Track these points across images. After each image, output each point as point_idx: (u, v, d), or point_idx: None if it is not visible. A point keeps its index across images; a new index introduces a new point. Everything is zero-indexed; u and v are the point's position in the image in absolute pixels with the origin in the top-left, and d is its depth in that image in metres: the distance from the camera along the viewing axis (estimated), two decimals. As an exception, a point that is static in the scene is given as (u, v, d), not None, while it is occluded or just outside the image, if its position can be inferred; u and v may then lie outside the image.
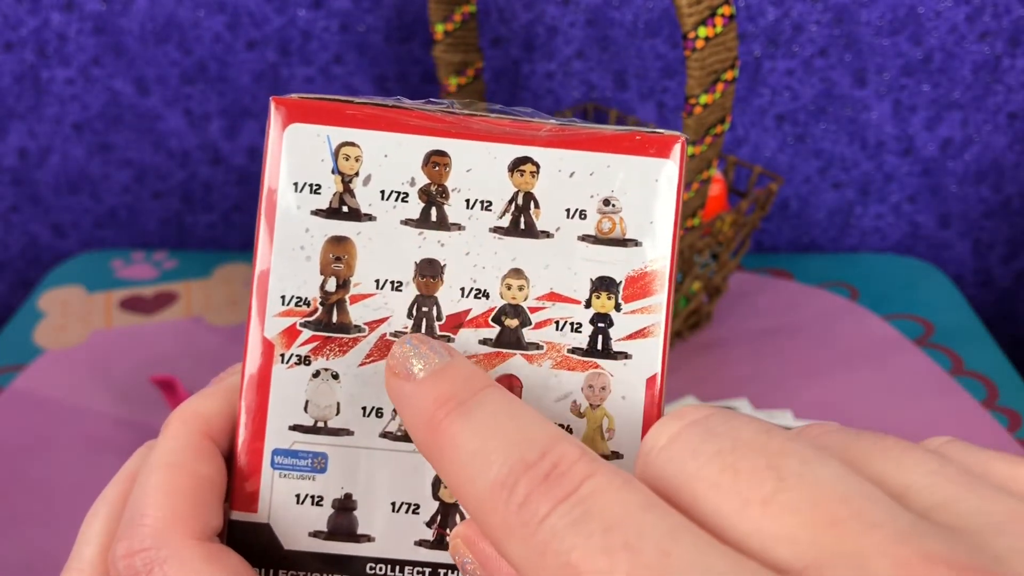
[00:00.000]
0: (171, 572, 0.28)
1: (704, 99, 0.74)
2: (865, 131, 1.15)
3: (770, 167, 1.17)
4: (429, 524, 0.32)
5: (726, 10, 0.72)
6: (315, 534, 0.31)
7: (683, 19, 0.71)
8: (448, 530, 0.31)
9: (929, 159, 1.16)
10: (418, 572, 0.31)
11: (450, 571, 0.31)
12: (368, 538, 0.31)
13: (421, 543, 0.32)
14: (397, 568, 0.31)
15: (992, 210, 1.19)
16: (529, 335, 0.32)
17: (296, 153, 0.31)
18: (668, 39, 1.10)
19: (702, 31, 0.71)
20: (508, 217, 0.32)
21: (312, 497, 0.31)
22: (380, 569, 0.31)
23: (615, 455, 0.31)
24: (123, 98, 1.14)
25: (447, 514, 0.32)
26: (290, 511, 0.31)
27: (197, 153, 1.19)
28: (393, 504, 0.32)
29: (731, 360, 0.97)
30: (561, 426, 0.31)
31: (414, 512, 0.32)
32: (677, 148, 0.31)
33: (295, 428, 0.32)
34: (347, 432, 0.32)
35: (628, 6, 1.08)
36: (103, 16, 1.09)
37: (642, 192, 0.31)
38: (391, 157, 0.31)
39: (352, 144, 0.31)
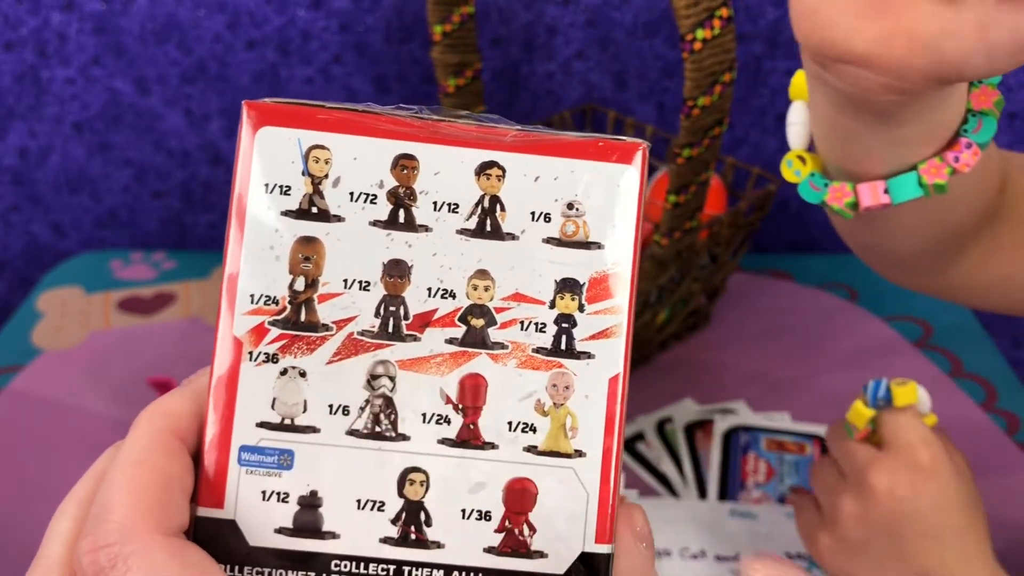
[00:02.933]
0: (135, 566, 0.28)
1: (702, 101, 0.74)
2: (865, 131, 1.15)
3: (770, 167, 1.16)
4: (394, 521, 0.32)
5: (724, 12, 0.72)
6: (280, 531, 0.32)
7: (681, 21, 0.71)
8: (412, 527, 0.32)
9: (929, 159, 1.16)
10: (383, 569, 0.32)
11: (415, 568, 0.32)
12: (333, 535, 0.32)
13: (386, 540, 0.32)
14: (362, 565, 0.32)
15: (992, 210, 1.19)
16: (495, 335, 0.32)
17: (267, 155, 0.32)
18: (668, 39, 1.10)
19: (700, 33, 0.71)
20: (475, 219, 0.32)
21: (278, 494, 0.32)
22: (345, 566, 0.32)
23: (578, 453, 0.32)
24: (123, 98, 1.14)
25: (412, 511, 0.32)
26: (256, 508, 0.32)
27: (197, 153, 1.19)
28: (358, 501, 0.32)
29: (730, 362, 0.97)
30: (526, 424, 0.32)
31: (379, 509, 0.32)
32: (639, 155, 0.32)
33: (262, 425, 0.32)
34: (314, 430, 0.32)
35: (628, 6, 1.08)
36: (103, 16, 1.09)
37: (605, 197, 0.32)
38: (360, 160, 0.32)
39: (322, 147, 0.32)
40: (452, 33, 0.94)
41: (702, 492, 0.83)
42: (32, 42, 1.11)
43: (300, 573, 0.31)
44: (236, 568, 0.31)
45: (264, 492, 0.32)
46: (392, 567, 0.32)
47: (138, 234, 1.24)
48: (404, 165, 0.32)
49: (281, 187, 0.32)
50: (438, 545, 0.32)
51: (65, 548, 0.31)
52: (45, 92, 1.14)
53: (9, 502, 0.82)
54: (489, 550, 0.32)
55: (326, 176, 0.32)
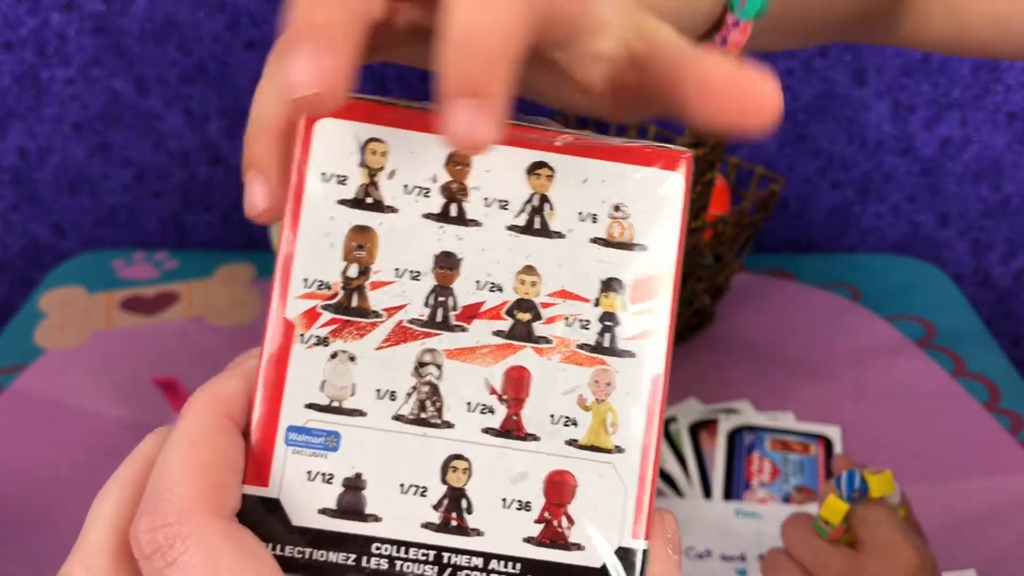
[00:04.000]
0: (192, 547, 0.29)
1: (708, 101, 0.74)
2: (864, 131, 1.15)
3: (770, 167, 1.17)
4: (436, 507, 0.32)
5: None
6: (324, 511, 0.32)
7: (687, 22, 0.71)
8: (454, 514, 0.32)
9: (928, 159, 1.17)
10: (423, 554, 0.32)
11: (454, 554, 0.32)
12: (375, 518, 0.32)
13: (427, 525, 0.32)
14: (402, 549, 0.32)
15: (991, 209, 1.20)
16: (540, 329, 0.33)
17: (325, 146, 0.33)
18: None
19: (706, 34, 0.71)
20: (524, 217, 0.33)
21: (323, 475, 0.32)
22: (386, 549, 0.32)
23: (618, 449, 0.32)
24: (123, 98, 1.14)
25: (454, 498, 0.32)
26: (301, 487, 0.32)
27: (197, 153, 1.18)
28: (402, 485, 0.32)
29: (733, 361, 0.97)
30: (567, 418, 0.32)
31: (422, 495, 0.32)
32: (683, 162, 0.33)
33: (310, 406, 0.32)
34: (360, 413, 0.33)
35: (629, 6, 1.08)
36: (103, 16, 1.09)
37: (650, 201, 0.33)
38: (416, 155, 0.33)
39: (379, 140, 0.33)
40: (455, 33, 0.94)
41: (707, 492, 0.83)
42: (32, 42, 1.11)
43: (341, 554, 0.32)
44: (278, 546, 0.32)
45: (309, 472, 0.32)
46: (432, 552, 0.32)
47: (138, 234, 1.24)
48: (458, 162, 0.33)
49: (338, 177, 0.33)
50: (478, 533, 0.32)
51: (109, 530, 0.31)
52: (45, 92, 1.14)
53: (11, 502, 0.82)
54: (528, 540, 0.32)
55: (382, 168, 0.33)
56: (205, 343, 1.02)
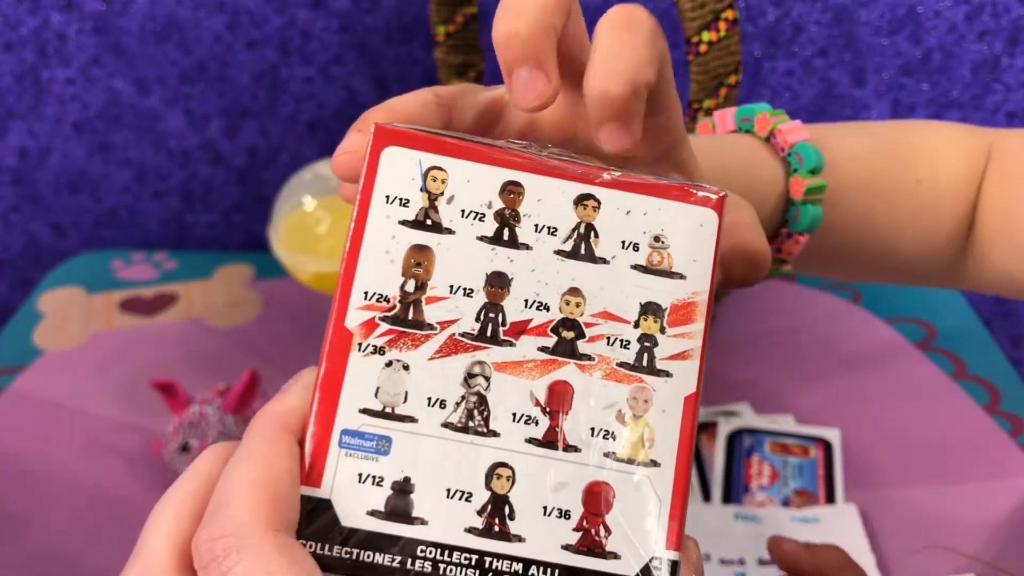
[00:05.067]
0: (247, 558, 0.30)
1: (707, 104, 0.74)
2: (866, 132, 1.15)
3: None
4: (480, 512, 0.34)
5: (729, 14, 0.72)
6: (372, 513, 0.34)
7: (686, 24, 0.71)
8: (497, 520, 0.34)
9: (930, 160, 1.16)
10: (466, 558, 0.34)
11: (496, 559, 0.34)
12: (422, 521, 0.34)
13: (471, 530, 0.34)
14: (447, 552, 0.34)
15: (992, 211, 1.19)
16: (583, 347, 0.35)
17: (391, 171, 0.36)
18: (667, 40, 1.09)
19: (705, 36, 0.71)
20: (571, 243, 0.36)
21: (373, 477, 0.34)
22: (430, 552, 0.34)
23: (653, 463, 0.35)
24: (123, 98, 1.14)
25: (497, 504, 0.34)
26: (351, 489, 0.34)
27: (197, 153, 1.18)
28: (448, 491, 0.34)
29: (733, 364, 0.97)
30: (607, 432, 0.35)
31: (467, 500, 0.34)
32: (718, 200, 0.36)
33: (365, 411, 0.35)
34: (411, 419, 0.35)
35: (629, 7, 1.08)
36: (103, 16, 1.09)
37: (687, 234, 0.36)
38: (473, 183, 0.36)
39: (440, 168, 0.36)
40: (455, 34, 0.94)
41: (706, 495, 0.83)
42: (32, 42, 1.11)
43: (387, 556, 0.34)
44: (327, 546, 0.33)
45: (360, 475, 0.34)
46: (475, 556, 0.34)
47: (138, 234, 1.24)
48: (511, 190, 0.36)
49: (400, 200, 0.36)
50: (519, 539, 0.34)
51: (168, 541, 0.33)
52: (45, 92, 1.14)
53: (10, 503, 0.82)
54: (566, 547, 0.34)
55: (441, 194, 0.36)
56: (204, 344, 1.02)
